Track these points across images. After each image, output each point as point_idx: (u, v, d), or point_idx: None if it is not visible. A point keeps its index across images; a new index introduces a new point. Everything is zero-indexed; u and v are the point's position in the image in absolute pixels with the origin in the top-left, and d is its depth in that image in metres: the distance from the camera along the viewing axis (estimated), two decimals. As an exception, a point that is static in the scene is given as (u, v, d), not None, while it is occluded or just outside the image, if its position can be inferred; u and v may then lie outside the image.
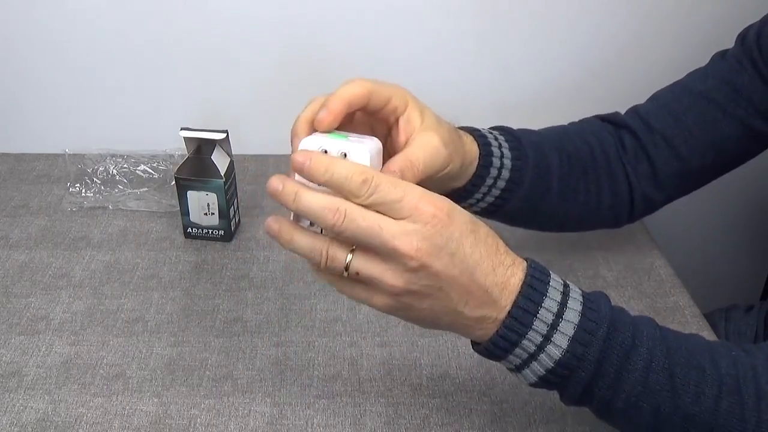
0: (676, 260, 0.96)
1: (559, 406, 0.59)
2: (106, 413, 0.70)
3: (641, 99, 0.85)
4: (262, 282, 0.87)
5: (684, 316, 0.84)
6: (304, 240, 0.53)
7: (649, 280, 0.89)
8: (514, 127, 0.78)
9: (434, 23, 1.07)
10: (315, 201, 0.50)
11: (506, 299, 0.54)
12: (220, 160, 0.90)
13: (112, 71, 1.09)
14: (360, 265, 0.52)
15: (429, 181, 0.61)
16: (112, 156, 1.06)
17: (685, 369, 0.56)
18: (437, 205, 0.51)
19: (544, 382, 0.56)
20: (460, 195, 0.71)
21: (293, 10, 1.05)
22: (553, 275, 0.57)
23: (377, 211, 0.50)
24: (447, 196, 0.71)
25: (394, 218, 0.50)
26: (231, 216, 0.93)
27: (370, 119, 0.60)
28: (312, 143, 0.54)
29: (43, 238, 0.94)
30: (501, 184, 0.72)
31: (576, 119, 0.85)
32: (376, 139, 0.57)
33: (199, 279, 0.88)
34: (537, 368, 0.55)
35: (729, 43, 0.82)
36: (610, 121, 0.83)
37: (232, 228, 0.94)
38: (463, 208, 0.72)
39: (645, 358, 0.55)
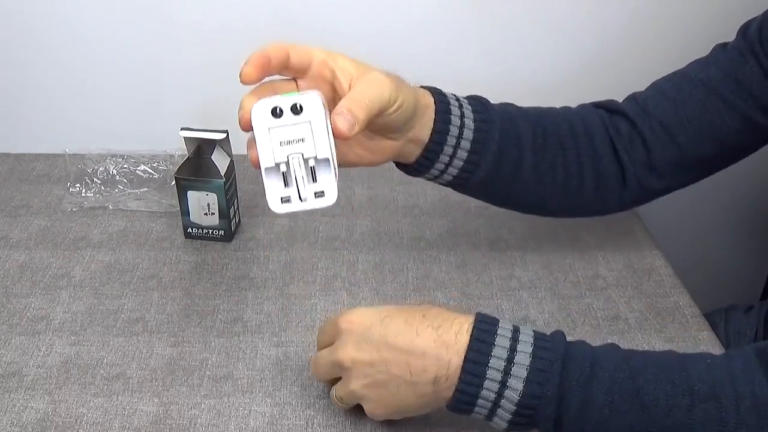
0: (676, 260, 0.96)
1: (560, 406, 0.59)
2: (106, 413, 0.70)
3: (641, 89, 0.84)
4: (262, 282, 0.87)
5: (684, 316, 0.84)
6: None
7: (649, 280, 0.89)
8: None
9: (435, 20, 1.08)
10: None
11: (455, 357, 0.58)
12: (220, 160, 0.90)
13: (112, 71, 1.09)
14: (338, 395, 0.66)
15: (386, 119, 0.64)
16: (112, 156, 1.06)
17: (653, 384, 0.57)
18: (357, 311, 0.64)
19: (515, 425, 0.59)
20: (426, 158, 0.71)
21: (293, 9, 1.05)
22: (501, 324, 0.60)
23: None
24: (411, 164, 0.73)
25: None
26: (231, 216, 0.93)
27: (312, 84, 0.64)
28: (265, 104, 0.56)
29: (43, 238, 0.94)
30: (465, 144, 0.71)
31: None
32: (318, 91, 0.60)
33: (199, 279, 0.88)
34: (503, 414, 0.58)
35: (729, 36, 0.81)
36: (604, 107, 0.82)
37: (232, 228, 0.94)
38: (431, 178, 0.74)
39: (607, 383, 0.57)
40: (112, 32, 1.06)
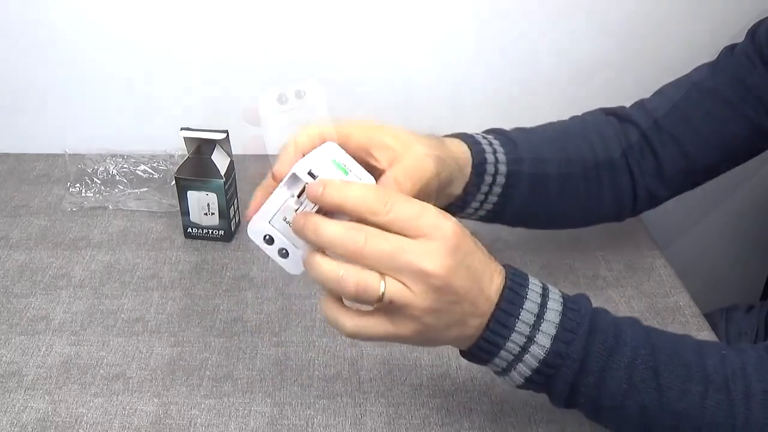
0: (676, 260, 0.96)
1: (560, 406, 0.59)
2: (106, 413, 0.70)
3: (647, 93, 0.83)
4: (262, 282, 0.87)
5: (684, 316, 0.84)
6: (328, 266, 0.51)
7: (649, 280, 0.89)
8: (513, 120, 0.77)
9: (435, 23, 1.08)
10: (337, 228, 0.50)
11: (491, 305, 0.55)
12: (220, 160, 0.90)
13: (111, 71, 1.09)
14: (394, 293, 0.50)
15: (429, 191, 0.61)
16: (112, 156, 1.06)
17: (671, 366, 0.56)
18: (454, 219, 0.51)
19: (531, 383, 0.57)
20: (457, 205, 0.71)
21: (293, 10, 1.05)
22: (531, 279, 0.58)
23: (396, 231, 0.50)
24: (444, 209, 0.70)
25: (412, 237, 0.50)
26: (231, 216, 0.93)
27: None
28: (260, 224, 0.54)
29: (43, 238, 0.94)
30: (497, 190, 0.72)
31: (578, 113, 0.84)
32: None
33: (199, 279, 0.88)
34: (523, 369, 0.56)
35: (738, 37, 0.80)
36: (614, 114, 0.82)
37: (232, 228, 0.94)
38: (462, 217, 0.72)
39: (628, 356, 0.56)
40: (112, 32, 1.06)
